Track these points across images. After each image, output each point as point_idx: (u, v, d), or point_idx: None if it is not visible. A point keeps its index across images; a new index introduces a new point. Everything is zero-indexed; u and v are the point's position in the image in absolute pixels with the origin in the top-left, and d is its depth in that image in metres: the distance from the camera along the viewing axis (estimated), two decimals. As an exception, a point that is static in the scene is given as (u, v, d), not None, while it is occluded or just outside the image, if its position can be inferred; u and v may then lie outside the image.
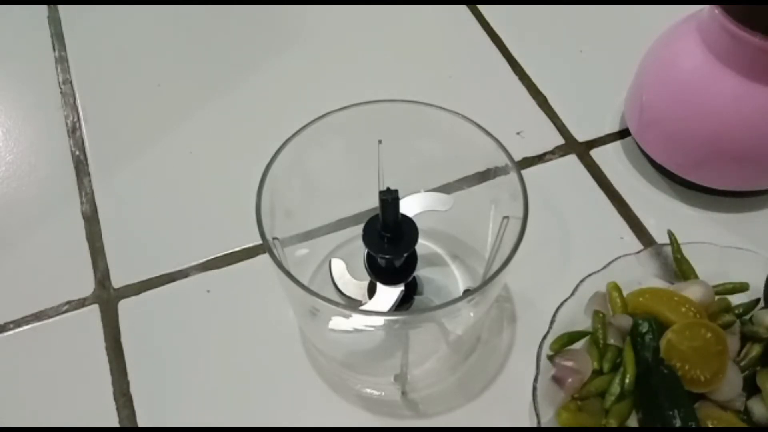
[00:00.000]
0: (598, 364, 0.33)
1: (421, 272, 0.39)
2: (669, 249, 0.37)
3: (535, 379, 0.33)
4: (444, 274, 0.39)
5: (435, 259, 0.40)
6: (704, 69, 0.39)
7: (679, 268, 0.36)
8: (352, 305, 0.37)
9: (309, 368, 0.37)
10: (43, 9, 0.55)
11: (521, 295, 0.39)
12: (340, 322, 0.31)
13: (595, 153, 0.46)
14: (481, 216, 0.37)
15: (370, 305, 0.34)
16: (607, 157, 0.46)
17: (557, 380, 0.33)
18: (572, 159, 0.46)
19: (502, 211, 0.34)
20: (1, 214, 0.44)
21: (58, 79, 0.51)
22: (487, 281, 0.29)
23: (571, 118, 0.48)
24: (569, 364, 0.33)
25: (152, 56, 0.53)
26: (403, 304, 0.36)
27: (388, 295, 0.34)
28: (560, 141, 0.47)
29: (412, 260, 0.35)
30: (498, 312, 0.39)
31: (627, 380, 0.32)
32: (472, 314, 0.34)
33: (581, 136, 0.47)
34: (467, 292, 0.31)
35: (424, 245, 0.39)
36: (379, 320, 0.32)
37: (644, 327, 0.33)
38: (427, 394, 0.36)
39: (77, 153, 0.47)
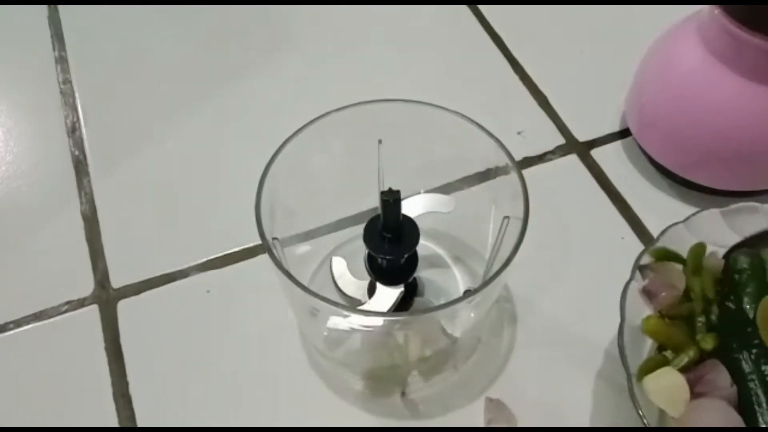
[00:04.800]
0: (692, 286, 0.32)
1: (421, 273, 0.39)
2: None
3: (621, 328, 0.31)
4: (444, 275, 0.39)
5: (435, 260, 0.40)
6: (704, 69, 0.39)
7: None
8: (352, 305, 0.37)
9: (309, 368, 0.37)
10: (43, 9, 0.55)
11: (521, 295, 0.39)
12: (339, 322, 0.31)
13: (596, 153, 0.46)
14: (482, 216, 0.37)
15: (370, 305, 0.34)
16: (608, 157, 0.46)
17: (648, 293, 0.31)
18: (573, 159, 0.46)
19: (502, 212, 0.34)
20: (1, 214, 0.44)
21: (58, 79, 0.51)
22: (488, 282, 0.29)
23: (571, 118, 0.48)
24: (663, 279, 0.31)
25: (152, 56, 0.53)
26: (403, 305, 0.36)
27: (387, 295, 0.34)
28: (561, 141, 0.47)
29: (412, 261, 0.35)
30: (498, 312, 0.39)
31: (713, 316, 0.31)
32: (472, 315, 0.34)
33: (582, 136, 0.47)
34: (467, 293, 0.31)
35: (424, 245, 0.39)
36: (379, 320, 0.32)
37: (743, 262, 0.32)
38: (427, 394, 0.36)
39: (77, 153, 0.47)
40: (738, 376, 0.30)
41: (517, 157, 0.31)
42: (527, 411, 0.35)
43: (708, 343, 0.31)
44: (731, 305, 0.31)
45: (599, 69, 0.51)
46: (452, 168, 0.37)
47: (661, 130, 0.42)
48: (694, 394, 0.30)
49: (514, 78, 0.50)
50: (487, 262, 0.37)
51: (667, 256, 0.33)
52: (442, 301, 0.33)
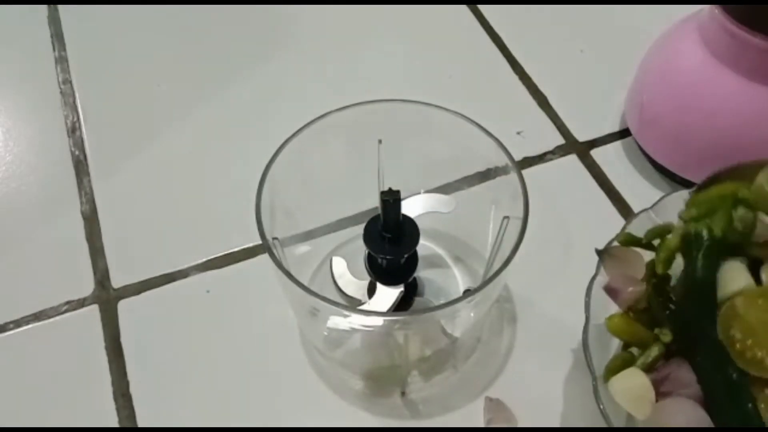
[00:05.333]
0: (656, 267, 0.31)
1: (421, 273, 0.39)
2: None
3: (585, 329, 0.30)
4: (444, 275, 0.39)
5: (435, 260, 0.40)
6: (704, 69, 0.39)
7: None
8: (352, 305, 0.37)
9: (309, 368, 0.37)
10: (43, 9, 0.55)
11: (521, 295, 0.39)
12: (339, 322, 0.31)
13: (596, 153, 0.46)
14: (482, 216, 0.37)
15: (370, 305, 0.34)
16: (608, 157, 0.46)
17: (612, 291, 0.31)
18: (573, 159, 0.46)
19: (502, 211, 0.34)
20: (1, 214, 0.44)
21: (58, 79, 0.51)
22: (488, 281, 0.29)
23: (571, 117, 0.48)
24: (625, 272, 0.30)
25: (152, 56, 0.53)
26: (403, 304, 0.36)
27: (387, 295, 0.34)
28: (560, 141, 0.47)
29: (412, 261, 0.35)
30: (498, 312, 0.39)
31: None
32: (472, 315, 0.34)
33: (581, 136, 0.47)
34: (467, 293, 0.31)
35: (423, 245, 0.39)
36: (379, 320, 0.32)
37: (696, 236, 0.30)
38: (427, 395, 0.36)
39: (77, 153, 0.47)
40: (701, 374, 0.29)
41: (517, 157, 0.31)
42: (527, 411, 0.35)
43: (666, 335, 0.30)
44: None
45: (599, 69, 0.51)
46: (452, 168, 0.37)
47: (661, 130, 0.42)
48: (661, 394, 0.29)
49: (514, 78, 0.50)
50: (487, 262, 0.37)
51: (632, 241, 0.32)
52: (442, 301, 0.33)
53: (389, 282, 0.35)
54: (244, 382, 0.36)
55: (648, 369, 0.30)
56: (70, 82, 0.50)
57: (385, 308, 0.34)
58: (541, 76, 0.50)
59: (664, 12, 0.46)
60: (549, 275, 0.40)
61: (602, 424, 0.33)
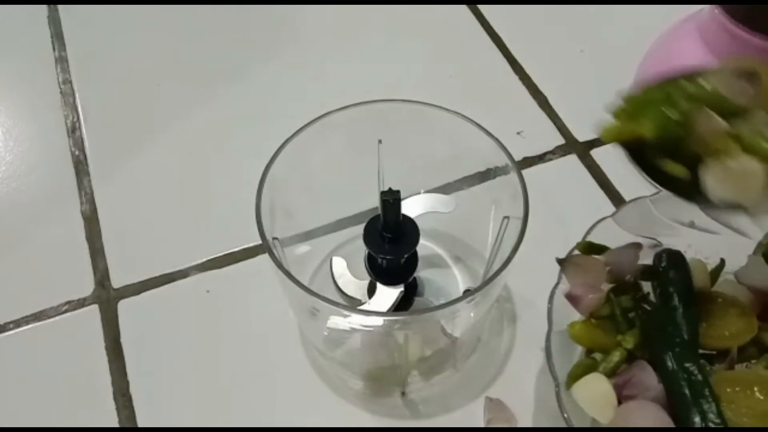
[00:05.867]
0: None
1: (421, 273, 0.39)
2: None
3: (548, 336, 0.31)
4: (444, 275, 0.39)
5: (435, 260, 0.40)
6: (704, 69, 0.39)
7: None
8: (352, 305, 0.37)
9: (309, 368, 0.37)
10: (43, 9, 0.55)
11: (522, 295, 0.39)
12: (339, 322, 0.31)
13: (596, 153, 0.46)
14: (482, 216, 0.37)
15: (370, 305, 0.34)
16: (608, 157, 0.45)
17: (573, 298, 0.31)
18: (573, 159, 0.46)
19: (502, 211, 0.34)
20: (1, 214, 0.44)
21: (58, 79, 0.51)
22: (488, 281, 0.29)
23: (571, 117, 0.48)
24: (585, 279, 0.31)
25: (152, 56, 0.53)
26: (403, 304, 0.36)
27: (387, 295, 0.34)
28: (560, 141, 0.47)
29: (412, 261, 0.35)
30: (498, 312, 0.39)
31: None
32: (472, 314, 0.34)
33: (582, 136, 0.47)
34: (467, 293, 0.31)
35: (424, 245, 0.39)
36: (379, 320, 0.32)
37: (666, 260, 0.31)
38: (427, 395, 0.36)
39: (77, 153, 0.47)
40: (665, 376, 0.30)
41: (517, 157, 0.31)
42: (527, 411, 0.35)
43: (629, 342, 0.31)
44: (653, 304, 0.31)
45: (599, 69, 0.50)
46: (452, 168, 0.37)
47: (661, 130, 0.42)
48: (624, 397, 0.30)
49: (514, 78, 0.50)
50: (487, 262, 0.37)
51: (592, 249, 0.33)
52: (442, 301, 0.33)
53: (389, 282, 0.35)
54: (244, 382, 0.36)
55: (610, 374, 0.30)
56: (70, 82, 0.50)
57: (385, 308, 0.34)
58: (541, 76, 0.50)
59: (664, 12, 0.46)
60: (549, 275, 0.40)
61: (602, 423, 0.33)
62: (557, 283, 0.32)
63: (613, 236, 0.33)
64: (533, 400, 0.35)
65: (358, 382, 0.36)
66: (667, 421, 0.29)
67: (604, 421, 0.29)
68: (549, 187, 0.43)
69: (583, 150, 0.46)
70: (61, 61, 0.52)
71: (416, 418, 0.35)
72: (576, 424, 0.29)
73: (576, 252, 0.33)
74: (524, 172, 0.32)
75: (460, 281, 0.39)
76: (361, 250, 0.35)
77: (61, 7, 0.55)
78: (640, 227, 0.35)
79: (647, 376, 0.30)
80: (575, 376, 0.30)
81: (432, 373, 0.36)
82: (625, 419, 0.29)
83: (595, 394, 0.30)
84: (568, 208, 0.43)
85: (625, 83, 0.45)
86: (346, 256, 0.39)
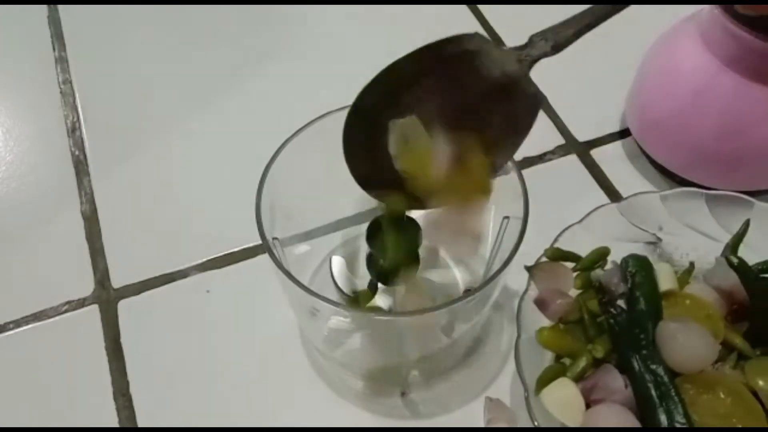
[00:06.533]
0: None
1: (421, 273, 0.39)
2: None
3: (516, 343, 0.31)
4: (444, 275, 0.39)
5: (435, 260, 0.40)
6: (704, 69, 0.39)
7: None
8: (353, 305, 0.37)
9: (309, 368, 0.37)
10: (43, 9, 0.55)
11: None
12: (339, 322, 0.31)
13: (596, 153, 0.46)
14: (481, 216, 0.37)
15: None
16: (608, 157, 0.46)
17: (541, 303, 0.32)
18: (573, 159, 0.46)
19: (502, 211, 0.34)
20: (1, 214, 0.44)
21: (58, 79, 0.51)
22: (487, 281, 0.29)
23: (571, 117, 0.48)
24: (554, 285, 0.32)
25: (152, 56, 0.53)
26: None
27: (389, 295, 0.34)
28: (560, 141, 0.47)
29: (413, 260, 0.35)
30: (498, 312, 0.39)
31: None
32: (472, 314, 0.34)
33: (581, 136, 0.47)
34: (467, 293, 0.31)
35: (424, 245, 0.39)
36: (379, 320, 0.32)
37: (633, 266, 0.32)
38: (427, 395, 0.36)
39: (77, 153, 0.46)
40: (632, 378, 0.30)
41: (517, 157, 0.31)
42: (527, 411, 0.35)
43: (599, 351, 0.31)
44: (620, 308, 0.32)
45: (599, 69, 0.50)
46: (452, 168, 0.37)
47: (661, 130, 0.42)
48: (592, 401, 0.30)
49: (514, 78, 0.50)
50: (487, 261, 0.37)
51: (561, 255, 0.33)
52: (442, 301, 0.33)
53: (389, 282, 0.35)
54: (244, 382, 0.36)
55: (578, 378, 0.31)
56: (70, 82, 0.50)
57: (386, 308, 0.34)
58: (541, 76, 0.50)
59: (663, 12, 0.46)
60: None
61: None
62: (526, 290, 0.33)
63: (580, 243, 0.34)
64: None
65: (358, 382, 0.36)
66: (633, 423, 0.29)
67: (572, 425, 0.30)
68: (549, 187, 0.43)
69: (583, 150, 0.46)
70: (61, 61, 0.52)
71: (416, 418, 0.35)
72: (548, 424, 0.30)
73: (544, 259, 0.33)
74: (524, 172, 0.32)
75: (460, 281, 0.39)
76: (361, 250, 0.35)
77: (61, 7, 0.55)
78: (645, 220, 0.35)
79: (613, 380, 0.30)
80: (544, 381, 0.31)
81: (432, 373, 0.36)
82: (593, 423, 0.29)
83: (563, 399, 0.30)
84: (568, 208, 0.43)
85: (625, 83, 0.45)
86: (345, 257, 0.39)
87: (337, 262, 0.38)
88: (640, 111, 0.43)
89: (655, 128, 0.43)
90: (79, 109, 0.49)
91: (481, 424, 0.35)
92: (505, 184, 0.32)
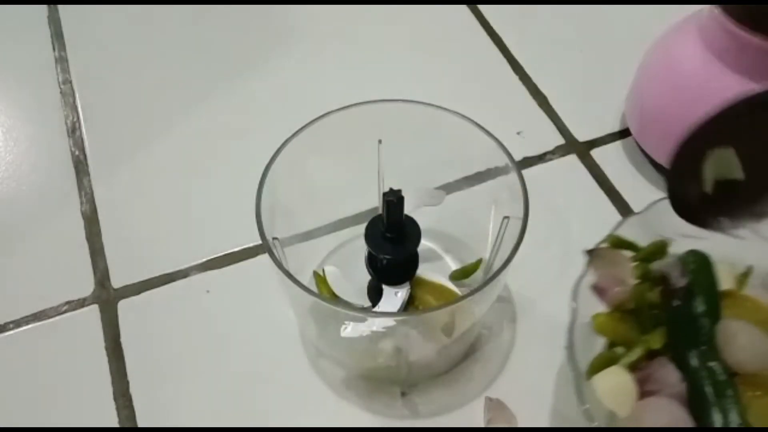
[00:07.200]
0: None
1: (421, 273, 0.39)
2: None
3: (571, 328, 0.30)
4: (444, 275, 0.39)
5: (435, 260, 0.40)
6: (705, 69, 0.38)
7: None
8: (353, 306, 0.37)
9: (309, 368, 0.37)
10: (43, 9, 0.55)
11: (521, 295, 0.39)
12: (339, 323, 0.31)
13: (596, 153, 0.46)
14: (482, 216, 0.37)
15: (379, 307, 0.34)
16: (608, 157, 0.46)
17: (599, 290, 0.31)
18: (573, 159, 0.46)
19: (502, 211, 0.34)
20: (1, 215, 0.44)
21: (58, 79, 0.51)
22: (488, 281, 0.29)
23: (571, 118, 0.48)
24: (612, 272, 0.31)
25: (152, 56, 0.53)
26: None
27: (395, 295, 0.34)
28: (560, 141, 0.47)
29: (413, 260, 0.35)
30: (498, 312, 0.39)
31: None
32: (472, 314, 0.34)
33: (581, 136, 0.47)
34: (467, 293, 0.31)
35: (423, 245, 0.39)
36: (379, 321, 0.32)
37: (692, 260, 0.31)
38: (427, 395, 0.36)
39: (77, 153, 0.47)
40: (687, 374, 0.30)
41: (517, 157, 0.31)
42: (527, 411, 0.35)
43: (656, 341, 0.31)
44: (679, 301, 0.31)
45: (599, 69, 0.51)
46: (452, 168, 0.37)
47: (661, 131, 0.42)
48: (644, 393, 0.29)
49: (514, 78, 0.50)
50: (487, 261, 0.37)
51: (621, 243, 0.33)
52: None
53: (391, 282, 0.35)
54: (244, 382, 0.36)
55: (632, 368, 0.30)
56: (70, 82, 0.50)
57: (395, 308, 0.34)
58: (541, 76, 0.50)
59: (664, 12, 0.46)
60: (549, 275, 0.40)
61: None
62: (583, 275, 0.32)
63: (637, 234, 0.33)
64: (533, 400, 0.35)
65: (358, 382, 0.36)
66: (686, 419, 0.28)
67: (622, 415, 0.29)
68: (549, 187, 0.43)
69: (583, 150, 0.46)
70: (61, 61, 0.52)
71: (416, 418, 0.35)
72: (595, 416, 0.29)
73: (604, 245, 0.32)
74: (524, 172, 0.32)
75: (460, 281, 0.39)
76: (360, 250, 0.35)
77: (61, 7, 0.55)
78: (666, 228, 0.34)
79: (669, 373, 0.29)
80: (597, 367, 0.30)
81: (432, 372, 0.36)
82: (642, 414, 0.29)
83: (615, 387, 0.29)
84: (568, 208, 0.43)
85: (625, 83, 0.45)
86: (345, 257, 0.39)
87: (331, 272, 0.38)
88: (639, 111, 0.43)
89: (654, 128, 0.43)
90: (79, 109, 0.49)
91: (481, 424, 0.35)
92: (505, 184, 0.32)
